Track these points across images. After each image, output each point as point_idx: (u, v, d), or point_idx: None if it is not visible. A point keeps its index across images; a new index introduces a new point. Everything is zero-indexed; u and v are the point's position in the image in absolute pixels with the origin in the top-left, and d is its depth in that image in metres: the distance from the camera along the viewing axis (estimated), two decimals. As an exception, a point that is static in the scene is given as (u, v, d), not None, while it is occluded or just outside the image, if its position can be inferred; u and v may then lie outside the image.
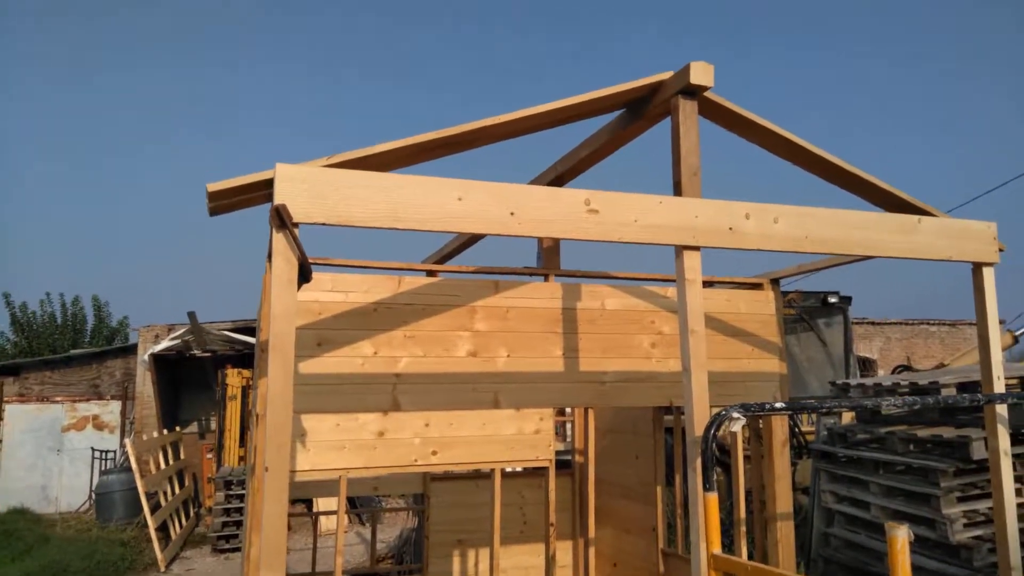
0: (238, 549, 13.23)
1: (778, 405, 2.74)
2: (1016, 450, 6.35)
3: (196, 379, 18.98)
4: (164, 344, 16.23)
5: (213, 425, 18.52)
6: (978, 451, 6.17)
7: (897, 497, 6.73)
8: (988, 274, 3.51)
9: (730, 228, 3.03)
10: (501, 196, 2.73)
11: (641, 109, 3.39)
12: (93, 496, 16.20)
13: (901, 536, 1.76)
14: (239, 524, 13.44)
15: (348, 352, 3.93)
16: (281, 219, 2.45)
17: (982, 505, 6.25)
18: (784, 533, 4.60)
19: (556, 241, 4.66)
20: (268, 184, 2.68)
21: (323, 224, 2.54)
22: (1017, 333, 9.08)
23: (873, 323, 26.38)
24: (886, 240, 3.29)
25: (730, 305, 4.77)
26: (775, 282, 4.93)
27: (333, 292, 3.96)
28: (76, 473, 17.72)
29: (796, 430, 9.93)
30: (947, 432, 6.53)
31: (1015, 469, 6.42)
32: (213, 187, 2.56)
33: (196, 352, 16.71)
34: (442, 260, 5.25)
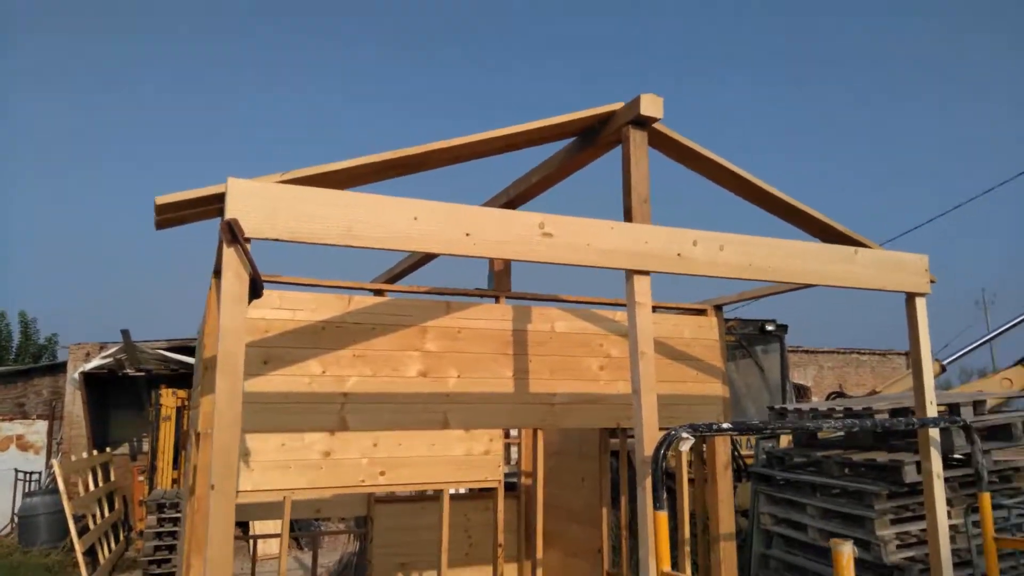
0: (171, 574, 12.75)
1: (725, 426, 2.81)
2: (946, 473, 6.59)
3: (128, 399, 18.33)
4: (96, 362, 15.67)
5: (145, 446, 17.90)
6: (910, 475, 6.38)
7: (833, 519, 6.90)
8: (920, 304, 3.68)
9: (679, 254, 3.11)
10: (457, 217, 2.75)
11: (593, 137, 3.46)
12: (16, 519, 15.45)
13: (846, 552, 1.82)
14: (171, 548, 12.98)
15: (295, 370, 3.87)
16: (233, 234, 2.41)
17: (914, 527, 6.46)
18: (727, 554, 4.68)
19: (507, 264, 4.69)
20: (219, 198, 2.64)
21: (275, 240, 2.51)
22: (945, 362, 9.45)
23: (807, 351, 27.17)
24: (825, 270, 3.42)
25: (676, 330, 4.87)
26: (718, 308, 5.05)
27: (281, 310, 3.91)
28: (-3, 496, 16.88)
29: (736, 453, 10.11)
30: (880, 456, 6.74)
31: (946, 492, 6.67)
32: (162, 200, 2.51)
33: (129, 371, 16.19)
34: (392, 280, 5.23)
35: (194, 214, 2.71)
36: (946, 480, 6.65)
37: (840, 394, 9.64)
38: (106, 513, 14.23)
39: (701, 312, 4.99)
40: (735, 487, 10.34)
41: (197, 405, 4.69)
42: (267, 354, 3.84)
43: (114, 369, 16.13)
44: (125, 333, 14.47)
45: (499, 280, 4.56)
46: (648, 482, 2.95)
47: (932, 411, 3.66)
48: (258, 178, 2.57)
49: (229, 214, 2.44)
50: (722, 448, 4.81)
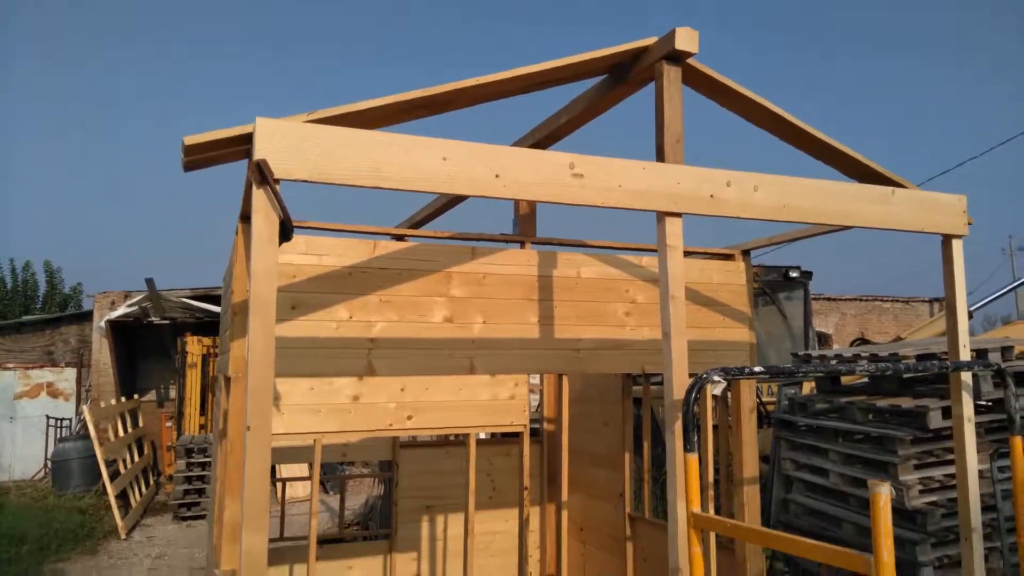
0: (200, 517, 13.13)
1: (757, 369, 2.78)
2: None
3: (154, 347, 18.63)
4: (121, 310, 15.89)
5: (172, 393, 18.27)
6: (935, 420, 6.36)
7: (856, 465, 6.92)
8: (957, 246, 3.59)
9: (711, 195, 3.04)
10: (486, 157, 2.70)
11: (624, 74, 3.37)
12: (49, 464, 15.91)
13: (884, 493, 1.80)
14: (200, 492, 13.33)
15: (323, 316, 3.88)
16: (262, 175, 2.38)
17: (937, 472, 6.47)
18: (750, 496, 4.71)
19: (533, 208, 4.64)
20: (247, 139, 2.60)
21: (304, 181, 2.48)
22: (971, 309, 9.34)
23: (829, 299, 26.98)
24: (861, 210, 3.34)
25: (704, 275, 4.82)
26: (746, 253, 4.99)
27: (307, 255, 3.90)
28: (29, 441, 17.36)
29: (758, 399, 10.13)
30: (905, 402, 6.72)
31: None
32: (190, 140, 2.48)
33: (154, 319, 16.41)
34: (417, 226, 5.19)
35: (222, 155, 2.67)
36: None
37: (864, 340, 9.58)
38: (136, 458, 14.61)
39: (729, 257, 4.93)
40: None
41: (226, 351, 4.74)
42: (295, 299, 3.84)
43: (139, 317, 16.36)
44: (149, 282, 14.63)
45: (524, 225, 4.51)
46: (678, 425, 2.94)
47: (965, 355, 3.61)
48: (286, 118, 2.52)
49: (258, 154, 2.40)
50: (747, 393, 4.80)
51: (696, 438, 2.57)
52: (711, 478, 4.74)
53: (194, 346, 15.34)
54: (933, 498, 6.39)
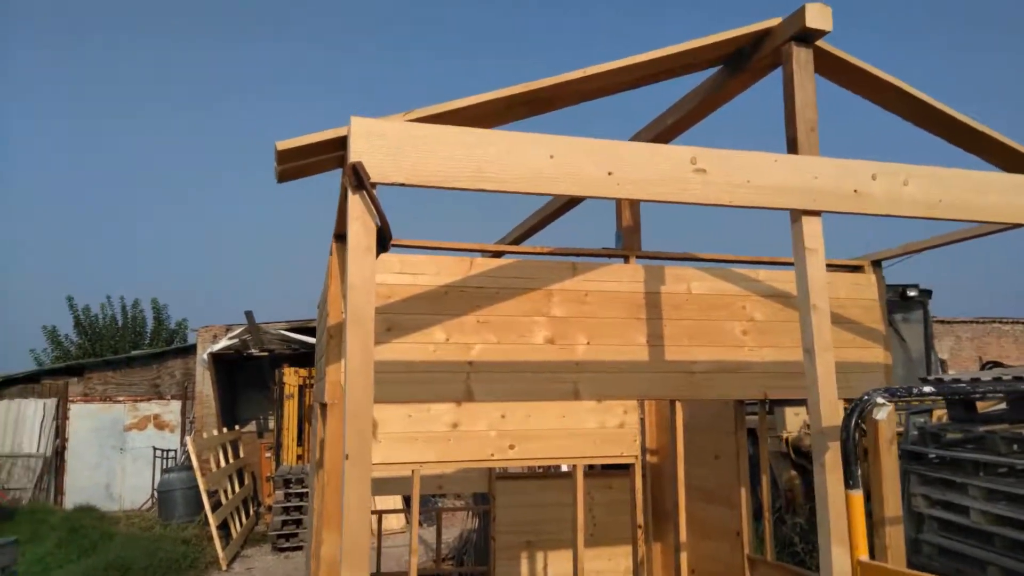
0: (298, 548, 13.17)
1: (927, 389, 2.38)
2: None
3: (253, 379, 19.12)
4: (223, 343, 16.36)
5: (271, 424, 18.64)
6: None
7: (999, 501, 6.20)
8: None
9: (855, 191, 2.67)
10: (597, 153, 2.43)
11: (743, 63, 3.05)
12: (155, 494, 16.41)
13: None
14: (298, 523, 13.40)
15: (419, 338, 3.67)
16: (359, 178, 2.18)
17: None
18: (894, 538, 4.19)
19: (637, 219, 4.33)
20: (340, 144, 2.43)
21: (401, 185, 2.27)
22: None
23: (941, 321, 25.26)
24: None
25: (830, 289, 4.36)
26: (877, 264, 4.52)
27: (402, 274, 3.71)
28: (138, 471, 18.01)
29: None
30: (1047, 430, 5.99)
31: None
32: (282, 145, 2.31)
33: (253, 352, 16.81)
34: (515, 242, 4.95)
35: (315, 164, 2.51)
36: None
37: (996, 363, 8.73)
38: (236, 488, 14.87)
39: (857, 269, 4.47)
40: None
41: (322, 377, 4.60)
42: (390, 321, 3.66)
43: (239, 350, 16.81)
44: (249, 314, 15.00)
45: (628, 238, 4.20)
46: (829, 457, 2.56)
47: None
48: (382, 118, 2.32)
49: (353, 156, 2.21)
50: (887, 420, 4.29)
51: (859, 472, 2.19)
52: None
53: (291, 377, 15.60)
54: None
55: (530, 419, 3.77)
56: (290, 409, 15.56)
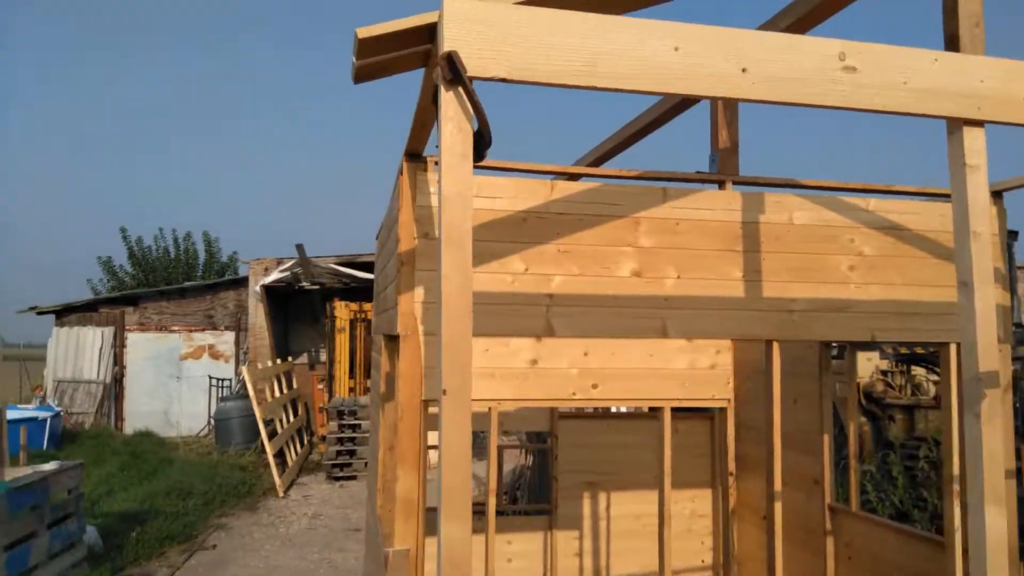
0: (351, 478, 13.35)
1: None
2: None
3: (304, 312, 19.24)
4: (274, 276, 16.39)
5: (322, 356, 18.83)
6: None
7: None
8: None
9: (1028, 96, 2.25)
10: (729, 46, 2.05)
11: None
12: (212, 422, 16.79)
13: None
14: (351, 453, 13.54)
15: (497, 267, 3.38)
16: (454, 70, 1.85)
17: None
18: (1007, 491, 3.84)
19: (735, 140, 3.92)
20: (429, 34, 2.09)
21: (503, 80, 1.93)
22: None
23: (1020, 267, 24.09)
24: None
25: (945, 222, 3.94)
26: (998, 195, 4.05)
27: (479, 197, 3.40)
28: (194, 400, 18.43)
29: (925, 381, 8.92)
30: None
31: None
32: (365, 33, 1.99)
33: (304, 285, 16.84)
34: (597, 162, 4.56)
35: (399, 60, 2.18)
36: None
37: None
38: (291, 418, 15.08)
39: (975, 199, 4.00)
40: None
41: (386, 309, 4.37)
42: (465, 248, 3.36)
43: (291, 282, 16.84)
44: (300, 247, 14.94)
45: (725, 161, 3.81)
46: (985, 405, 2.21)
47: None
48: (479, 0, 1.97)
49: (447, 44, 1.87)
50: (1003, 366, 3.90)
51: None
52: (955, 471, 3.91)
53: (342, 311, 15.60)
54: None
55: (614, 357, 3.48)
56: (342, 342, 15.61)
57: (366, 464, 13.50)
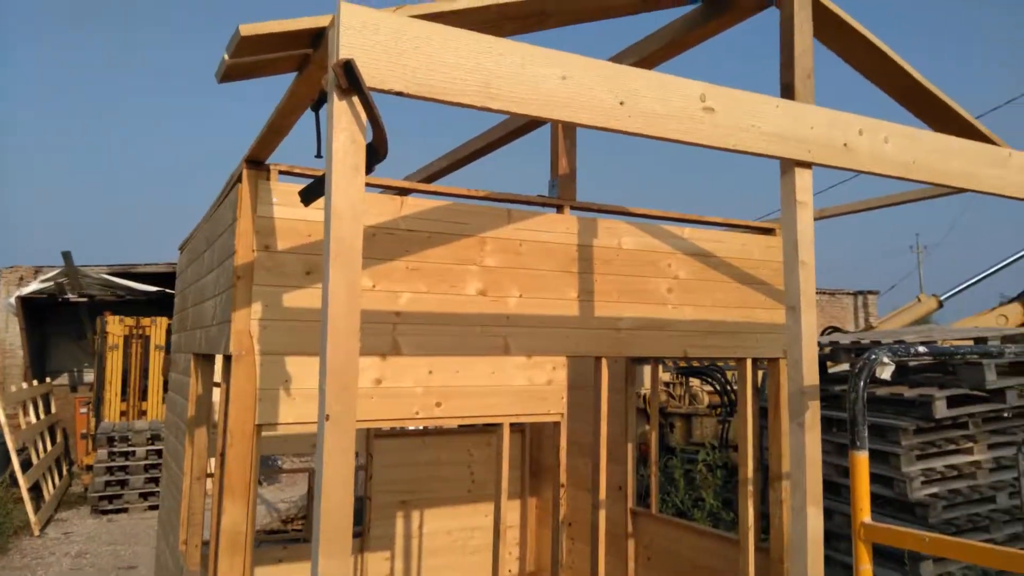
0: (123, 510, 12.06)
1: (922, 349, 2.36)
2: (971, 410, 6.45)
3: (67, 327, 17.14)
4: (34, 286, 14.49)
5: (87, 377, 16.88)
6: (940, 410, 6.20)
7: (846, 455, 6.71)
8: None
9: (844, 144, 2.58)
10: (611, 80, 2.15)
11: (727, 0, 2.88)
12: (-53, 454, 14.37)
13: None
14: (123, 484, 12.25)
15: (341, 283, 3.25)
16: (353, 79, 1.77)
17: (938, 463, 6.33)
18: (787, 493, 4.33)
19: (572, 167, 4.10)
20: (313, 39, 1.98)
21: (399, 94, 1.88)
22: (943, 298, 9.36)
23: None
24: (979, 173, 2.95)
25: (744, 250, 4.40)
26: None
27: (323, 210, 3.25)
28: (-78, 429, 15.67)
29: (729, 387, 9.93)
30: (907, 391, 6.55)
31: (968, 428, 6.53)
32: (248, 30, 1.83)
33: (70, 296, 15.04)
34: (432, 178, 4.50)
35: (275, 62, 2.04)
36: (969, 416, 6.51)
37: (836, 329, 9.47)
38: (48, 446, 13.33)
39: (768, 231, 4.52)
40: (727, 422, 10.15)
41: (202, 325, 4.03)
42: (309, 263, 3.21)
43: (54, 294, 14.96)
44: (66, 255, 13.34)
45: (564, 186, 3.97)
46: (809, 416, 2.49)
47: (1071, 339, 3.29)
48: (376, 9, 1.90)
49: (344, 52, 1.78)
50: (785, 377, 4.41)
51: (865, 434, 2.12)
52: (749, 473, 4.34)
53: (115, 326, 14.12)
54: (934, 489, 6.24)
55: (459, 375, 3.48)
56: (114, 361, 14.11)
57: (141, 496, 12.29)
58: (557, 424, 3.81)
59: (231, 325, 3.06)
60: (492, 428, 7.13)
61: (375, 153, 1.84)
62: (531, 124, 4.16)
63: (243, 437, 3.04)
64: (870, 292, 27.54)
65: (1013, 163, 3.05)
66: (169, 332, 14.65)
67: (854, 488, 2.11)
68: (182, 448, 4.54)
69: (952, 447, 6.36)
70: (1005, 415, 6.57)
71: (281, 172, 3.21)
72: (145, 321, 14.50)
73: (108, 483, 12.19)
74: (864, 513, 2.07)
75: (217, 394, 3.63)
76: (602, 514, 4.26)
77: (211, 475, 4.20)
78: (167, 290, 15.33)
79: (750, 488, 4.32)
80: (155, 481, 12.41)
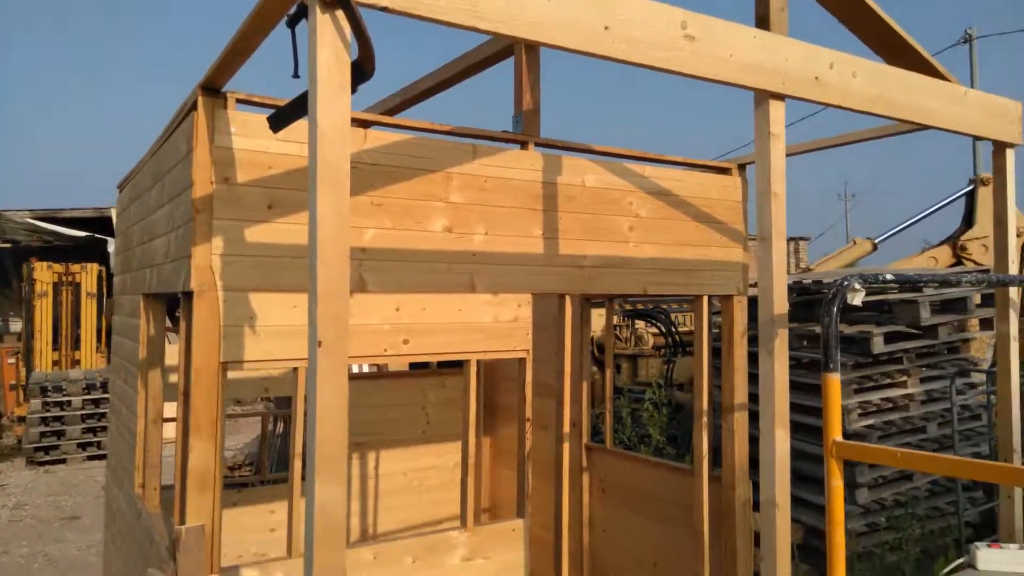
0: (61, 461, 11.76)
1: (889, 277, 2.45)
2: (906, 345, 6.77)
3: (-13, 274, 16.38)
4: (-49, 231, 13.71)
5: (13, 327, 16.21)
6: (878, 345, 6.49)
7: (792, 391, 6.97)
8: (1010, 155, 3.40)
9: (816, 77, 2.61)
10: (597, 3, 2.11)
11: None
12: None
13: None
14: (59, 435, 11.93)
15: (305, 218, 3.16)
16: (338, -11, 1.68)
17: (875, 396, 6.64)
18: (740, 423, 4.49)
19: (537, 102, 4.04)
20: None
21: (385, 9, 1.80)
22: (877, 240, 9.70)
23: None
24: (937, 109, 3.03)
25: (702, 189, 4.44)
26: (742, 168, 4.65)
27: (287, 142, 3.14)
28: None
29: (673, 328, 10.16)
30: (846, 329, 6.82)
31: (903, 363, 6.86)
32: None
33: (-8, 242, 14.32)
34: (395, 109, 4.37)
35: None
36: (904, 351, 6.84)
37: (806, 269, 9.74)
38: (-24, 399, 12.84)
39: (725, 171, 4.57)
40: (672, 363, 10.39)
41: (153, 264, 3.89)
42: (271, 197, 3.10)
43: (-28, 240, 14.21)
44: (-14, 198, 12.61)
45: (528, 122, 3.92)
46: (777, 344, 2.57)
47: (1014, 269, 3.46)
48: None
49: (326, -39, 1.69)
50: (740, 315, 4.53)
51: (839, 356, 2.20)
52: (704, 406, 4.47)
53: (44, 273, 13.53)
54: (870, 421, 6.56)
55: (425, 312, 3.45)
56: (43, 309, 13.56)
57: (80, 446, 11.99)
58: (523, 360, 3.83)
59: (191, 260, 2.95)
60: (447, 370, 7.16)
61: (361, 71, 1.77)
62: (493, 57, 4.07)
63: (209, 375, 2.96)
64: (801, 238, 28.31)
65: (970, 100, 3.14)
66: (101, 277, 14.12)
67: (827, 408, 2.20)
68: (134, 391, 4.41)
69: (888, 381, 6.68)
70: (936, 350, 6.91)
71: (239, 101, 3.07)
72: (75, 267, 13.93)
73: (43, 434, 11.85)
74: (836, 432, 2.16)
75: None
76: (566, 447, 4.34)
77: (170, 420, 4.12)
78: (97, 235, 14.72)
79: (704, 420, 4.46)
80: (93, 431, 12.11)
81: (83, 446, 12.03)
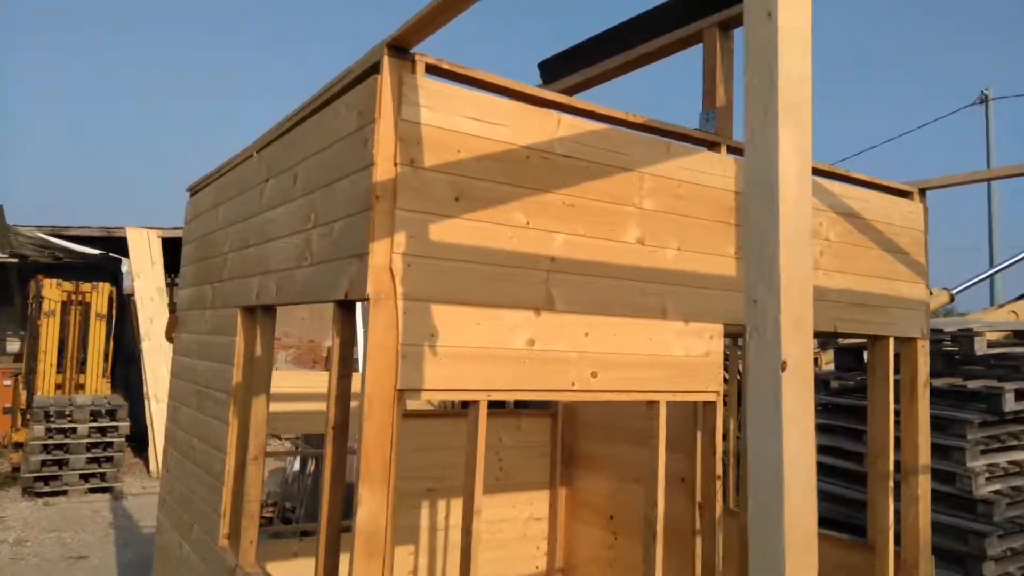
0: (62, 492, 10.85)
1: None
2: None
3: (-11, 290, 15.55)
4: (-43, 242, 12.97)
5: (10, 346, 15.36)
6: (1010, 403, 5.88)
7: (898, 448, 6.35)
8: None
9: None
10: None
11: None
12: None
13: None
14: (61, 464, 11.05)
15: (495, 215, 2.55)
16: None
17: (1002, 459, 6.01)
18: (923, 489, 3.85)
19: (731, 98, 3.46)
20: None
21: None
22: (954, 292, 9.17)
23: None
24: None
25: (886, 214, 3.87)
26: (923, 193, 4.09)
27: (476, 121, 2.54)
28: None
29: (739, 374, 9.53)
30: (969, 384, 6.21)
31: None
32: None
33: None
34: (571, 90, 3.62)
35: None
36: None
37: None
38: (-29, 422, 11.96)
39: (907, 195, 4.00)
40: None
41: (223, 279, 3.26)
42: (458, 187, 2.49)
43: (-21, 252, 13.46)
44: (-1, 208, 11.93)
45: (721, 121, 3.34)
46: None
47: None
48: None
49: None
50: (923, 361, 3.92)
51: None
52: (890, 467, 3.83)
53: (52, 291, 12.77)
54: (998, 486, 5.92)
55: (615, 339, 2.81)
56: (50, 329, 12.76)
57: (82, 477, 11.10)
58: (712, 404, 3.18)
59: (366, 259, 2.31)
60: (522, 410, 6.52)
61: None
62: (682, 42, 3.50)
63: (383, 405, 2.31)
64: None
65: None
66: (112, 299, 13.35)
67: None
68: (218, 422, 3.73)
69: (1014, 442, 6.05)
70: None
71: (428, 67, 2.47)
72: (85, 287, 13.17)
73: (44, 463, 10.97)
74: None
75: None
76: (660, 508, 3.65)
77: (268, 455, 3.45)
78: (111, 254, 14.02)
79: (889, 484, 3.80)
80: (98, 462, 11.26)
81: (86, 477, 11.16)
